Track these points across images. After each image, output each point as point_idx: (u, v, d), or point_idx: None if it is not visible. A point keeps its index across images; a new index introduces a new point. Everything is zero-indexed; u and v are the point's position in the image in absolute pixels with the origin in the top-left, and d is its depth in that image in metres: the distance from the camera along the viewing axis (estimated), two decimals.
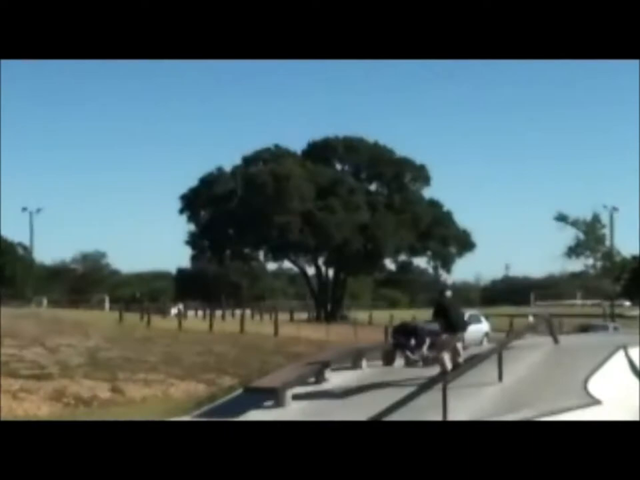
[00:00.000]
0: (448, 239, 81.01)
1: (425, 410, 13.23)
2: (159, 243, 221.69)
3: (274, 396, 14.60)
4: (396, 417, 13.28)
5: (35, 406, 21.75)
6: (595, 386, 13.81)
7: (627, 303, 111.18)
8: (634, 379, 15.37)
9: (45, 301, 79.49)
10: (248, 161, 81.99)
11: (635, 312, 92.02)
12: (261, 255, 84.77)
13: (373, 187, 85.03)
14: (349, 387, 15.92)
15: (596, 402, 12.86)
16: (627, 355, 16.08)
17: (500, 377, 14.86)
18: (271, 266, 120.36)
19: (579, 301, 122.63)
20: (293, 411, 14.32)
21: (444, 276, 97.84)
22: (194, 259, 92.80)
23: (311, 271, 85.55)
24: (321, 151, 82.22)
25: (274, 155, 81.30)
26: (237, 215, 74.37)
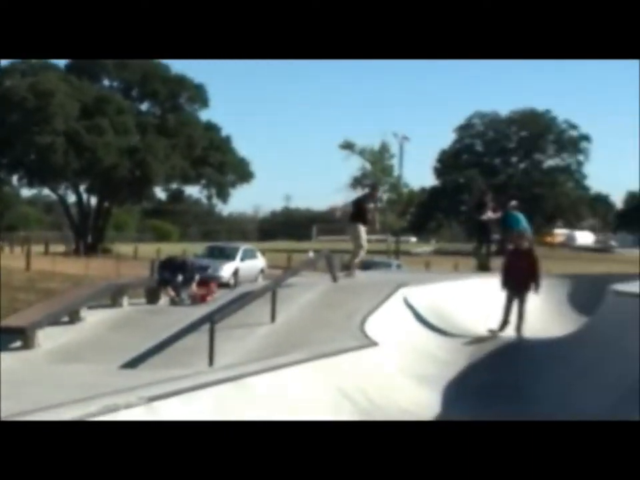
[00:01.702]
0: (225, 166, 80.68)
1: (190, 352, 13.28)
2: None
3: (22, 337, 14.25)
4: (157, 359, 13.27)
5: None
6: (373, 327, 14.19)
7: (413, 239, 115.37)
8: (412, 319, 15.96)
9: None
10: (2, 72, 78.58)
11: (421, 249, 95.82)
12: (15, 179, 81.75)
13: (144, 106, 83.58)
14: (106, 326, 15.74)
15: (373, 343, 13.22)
16: (405, 295, 16.65)
17: (273, 317, 15.06)
18: (28, 193, 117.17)
19: None
20: (42, 353, 14.04)
21: (219, 206, 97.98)
22: None
23: (72, 199, 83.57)
24: (87, 66, 79.55)
25: (33, 68, 78.03)
26: None
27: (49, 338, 14.50)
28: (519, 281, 16.02)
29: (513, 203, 24.03)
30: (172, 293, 18.30)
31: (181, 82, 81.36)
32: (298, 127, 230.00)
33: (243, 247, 42.66)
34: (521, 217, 22.81)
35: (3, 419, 6.60)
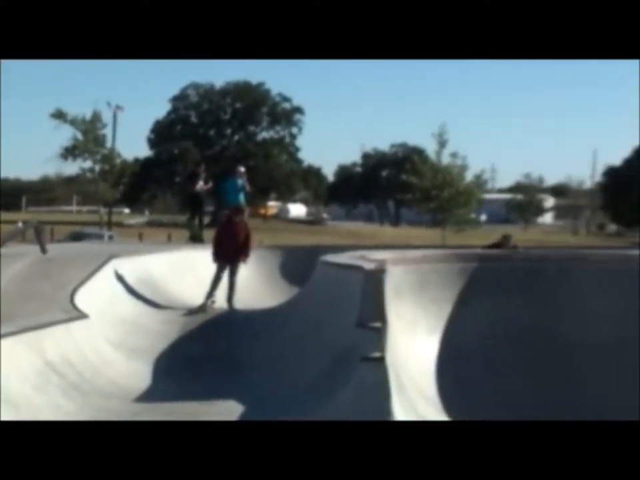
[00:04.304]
0: None
1: None
2: None
3: None
4: None
5: None
6: (83, 299, 14.01)
7: (127, 211, 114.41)
8: (123, 291, 15.91)
9: None
10: None
11: (134, 220, 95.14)
12: None
13: None
14: None
15: (82, 315, 13.07)
16: (117, 267, 16.57)
17: None
18: None
19: (74, 207, 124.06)
20: None
21: None
22: None
23: None
24: None
25: None
26: None
27: None
28: (229, 252, 16.27)
29: (242, 169, 24.36)
30: None
31: None
32: (6, 94, 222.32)
33: None
34: (239, 185, 23.09)
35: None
